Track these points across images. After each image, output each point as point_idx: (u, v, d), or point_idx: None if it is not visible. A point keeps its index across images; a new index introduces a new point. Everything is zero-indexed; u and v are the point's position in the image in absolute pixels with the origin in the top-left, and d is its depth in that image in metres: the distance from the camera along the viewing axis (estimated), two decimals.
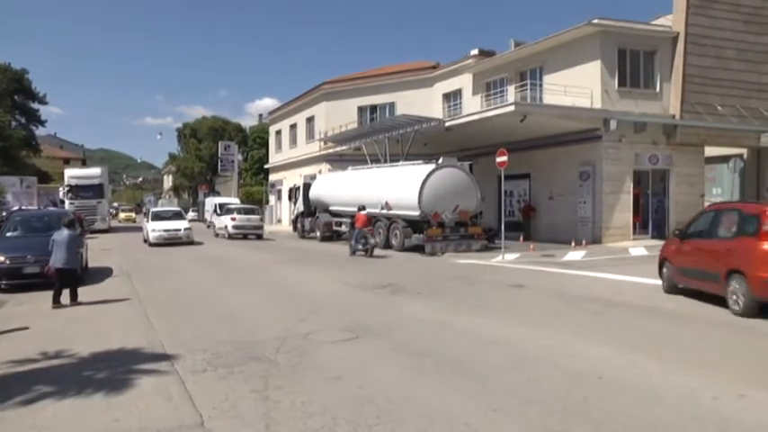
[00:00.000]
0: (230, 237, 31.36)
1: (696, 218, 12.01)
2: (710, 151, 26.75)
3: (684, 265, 11.33)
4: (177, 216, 30.22)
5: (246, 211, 32.72)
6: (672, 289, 11.84)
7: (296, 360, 7.23)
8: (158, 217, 29.21)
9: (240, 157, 64.82)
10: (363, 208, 22.23)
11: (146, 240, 27.90)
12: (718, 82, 25.18)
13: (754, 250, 9.33)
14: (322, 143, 36.17)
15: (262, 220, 33.45)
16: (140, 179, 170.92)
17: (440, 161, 22.27)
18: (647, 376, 6.43)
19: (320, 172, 34.53)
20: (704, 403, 5.55)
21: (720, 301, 10.20)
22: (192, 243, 27.28)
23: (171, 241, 26.92)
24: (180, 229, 27.70)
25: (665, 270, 12.23)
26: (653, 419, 5.18)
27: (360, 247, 20.87)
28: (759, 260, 9.22)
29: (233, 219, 31.66)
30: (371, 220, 22.58)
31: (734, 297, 9.65)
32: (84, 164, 78.59)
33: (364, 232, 21.05)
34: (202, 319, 10.13)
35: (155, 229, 27.39)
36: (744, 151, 28.16)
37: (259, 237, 31.44)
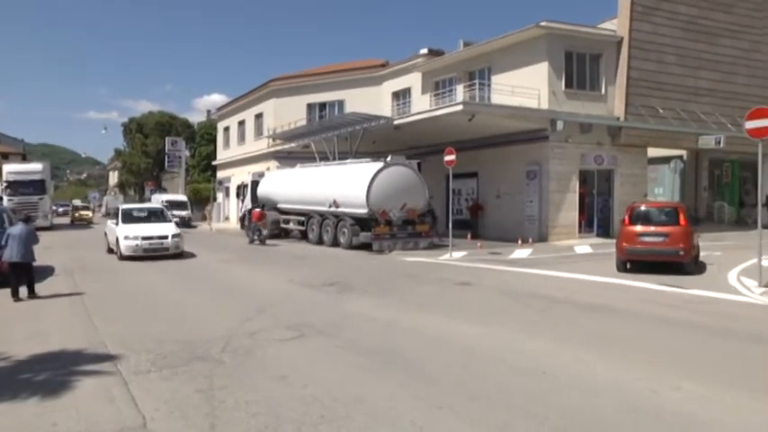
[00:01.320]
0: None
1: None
2: (653, 152, 27.72)
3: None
4: (158, 216, 21.90)
5: (175, 206, 32.92)
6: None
7: (241, 359, 7.20)
8: (131, 218, 21.08)
9: (188, 153, 63.72)
10: (262, 206, 27.66)
11: (113, 251, 20.38)
12: (660, 86, 26.11)
13: (623, 229, 15.39)
14: (271, 140, 35.85)
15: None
16: (85, 175, 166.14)
17: (388, 159, 22.38)
18: (590, 371, 6.60)
19: (269, 169, 34.27)
20: (643, 396, 5.75)
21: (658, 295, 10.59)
22: (180, 255, 20.10)
23: (154, 254, 19.28)
24: (167, 237, 19.78)
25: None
26: (595, 413, 5.35)
27: (255, 237, 25.60)
28: (623, 235, 15.23)
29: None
30: (264, 215, 26.58)
31: None
32: (24, 159, 75.71)
33: (258, 225, 25.88)
34: (147, 318, 9.98)
35: (129, 235, 19.37)
36: (684, 153, 29.33)
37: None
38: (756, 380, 6.34)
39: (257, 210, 26.77)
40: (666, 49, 26.25)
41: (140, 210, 22.85)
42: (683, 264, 14.58)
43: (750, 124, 12.56)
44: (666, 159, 28.45)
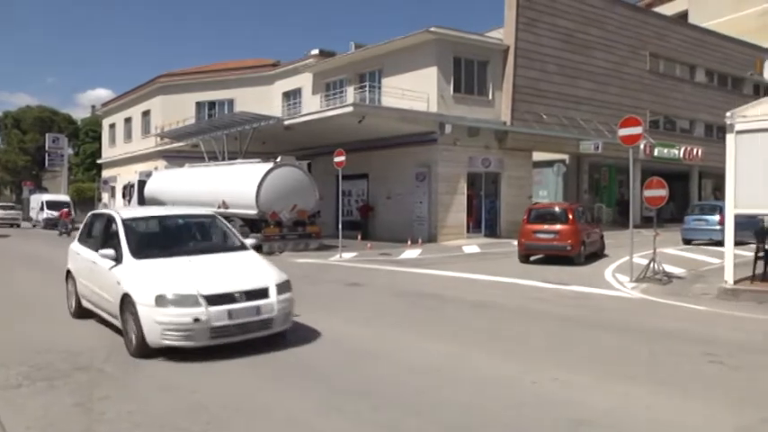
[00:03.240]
0: None
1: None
2: (537, 156, 29.26)
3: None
4: (211, 237, 9.78)
5: (56, 207, 33.25)
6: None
7: (126, 368, 6.95)
8: (154, 244, 8.78)
9: (71, 151, 60.93)
10: (67, 205, 35.61)
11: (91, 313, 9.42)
12: (544, 93, 27.66)
13: (522, 227, 17.68)
14: (158, 139, 34.87)
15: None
16: None
17: (278, 160, 22.31)
18: (477, 367, 6.85)
19: (156, 168, 33.26)
20: (526, 388, 6.08)
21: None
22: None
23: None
24: (264, 291, 7.66)
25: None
26: (482, 407, 5.57)
27: (63, 230, 32.52)
28: (522, 233, 17.60)
29: None
30: (69, 213, 33.45)
31: None
32: None
33: (66, 222, 33.24)
34: (21, 326, 9.26)
35: (168, 296, 7.10)
36: (566, 157, 31.06)
37: None
38: (625, 365, 6.91)
39: (64, 209, 35.62)
40: (549, 59, 27.86)
41: (167, 220, 9.67)
42: (572, 257, 16.55)
43: (622, 132, 13.53)
44: (550, 163, 30.02)
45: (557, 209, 18.18)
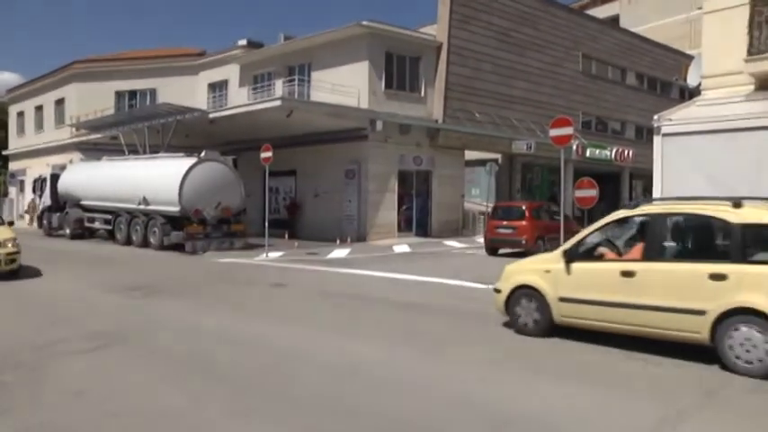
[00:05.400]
0: None
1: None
2: (470, 155, 30.45)
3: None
4: None
5: None
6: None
7: (30, 377, 6.84)
8: None
9: None
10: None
11: None
12: (477, 91, 28.86)
13: (487, 222, 21.39)
14: (73, 129, 34.29)
15: None
16: None
17: (202, 154, 22.52)
18: (401, 368, 7.20)
19: (71, 162, 32.75)
20: (454, 389, 6.38)
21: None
22: None
23: None
24: None
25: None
26: (404, 410, 5.83)
27: None
28: (487, 228, 21.38)
29: None
30: None
31: None
32: None
33: None
34: None
35: None
36: (498, 156, 32.34)
37: None
38: (554, 365, 7.45)
39: None
40: (482, 57, 29.08)
41: None
42: (527, 251, 18.60)
43: (553, 132, 13.97)
44: (482, 162, 31.16)
45: (516, 206, 21.53)
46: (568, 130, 13.87)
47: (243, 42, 32.17)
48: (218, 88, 33.72)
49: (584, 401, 6.12)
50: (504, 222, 20.56)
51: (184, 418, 5.65)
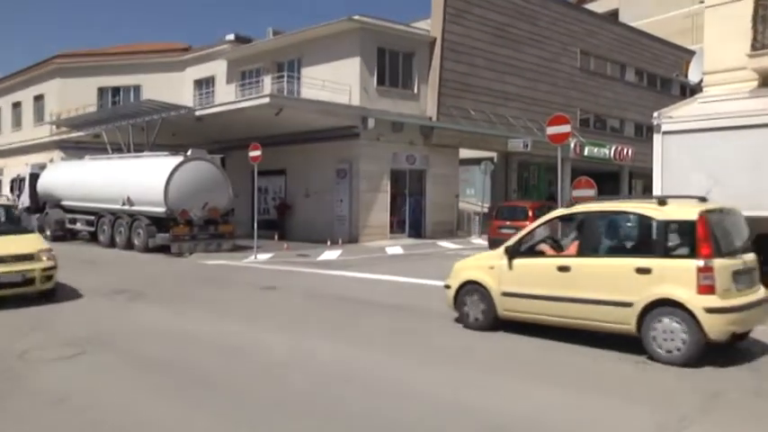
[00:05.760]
0: None
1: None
2: (464, 153, 30.53)
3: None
4: None
5: None
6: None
7: (8, 385, 6.80)
8: None
9: None
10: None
11: None
12: (471, 88, 28.95)
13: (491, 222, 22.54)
14: (54, 127, 34.18)
15: None
16: None
17: (188, 153, 22.48)
18: (391, 375, 7.30)
19: (52, 161, 32.62)
20: (447, 398, 6.47)
21: None
22: None
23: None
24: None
25: None
26: (398, 415, 5.96)
27: None
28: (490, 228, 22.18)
29: None
30: None
31: None
32: None
33: None
34: None
35: None
36: (494, 155, 32.44)
37: None
38: (548, 369, 7.61)
39: None
40: (477, 52, 29.17)
41: None
42: None
43: (550, 130, 14.17)
44: (477, 161, 31.24)
45: (520, 207, 22.44)
46: (566, 128, 14.03)
47: (230, 37, 32.22)
48: (204, 85, 33.70)
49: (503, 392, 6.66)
50: (508, 222, 21.06)
51: (172, 428, 5.67)
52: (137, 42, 40.03)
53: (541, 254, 9.20)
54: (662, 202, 8.13)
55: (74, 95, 34.27)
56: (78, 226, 26.77)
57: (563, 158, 14.48)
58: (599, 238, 8.97)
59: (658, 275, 7.66)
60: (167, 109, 25.55)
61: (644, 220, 8.24)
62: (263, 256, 20.23)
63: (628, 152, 36.89)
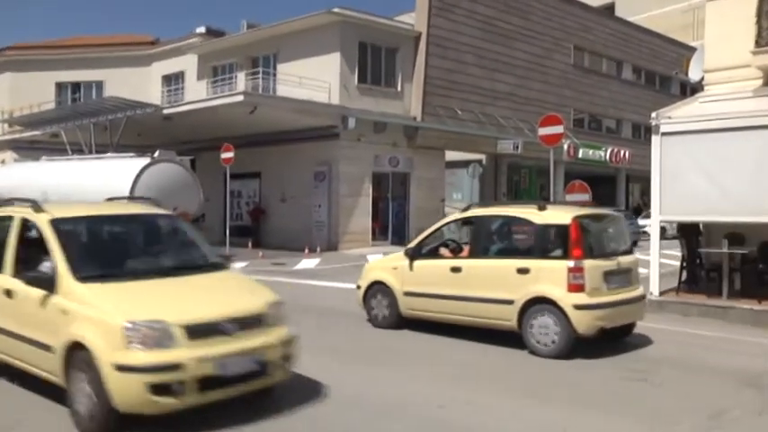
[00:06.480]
0: None
1: None
2: (451, 156, 30.61)
3: None
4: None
5: None
6: None
7: None
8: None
9: None
10: None
11: None
12: (458, 86, 29.10)
13: None
14: (6, 126, 33.89)
15: None
16: None
17: (156, 155, 22.28)
18: (381, 390, 7.39)
19: (3, 162, 32.38)
20: (433, 411, 6.67)
21: None
22: None
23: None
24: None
25: None
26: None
27: None
28: None
29: None
30: None
31: None
32: None
33: None
34: None
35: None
36: (482, 157, 32.60)
37: None
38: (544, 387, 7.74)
39: None
40: (465, 48, 29.36)
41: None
42: None
43: (542, 131, 14.29)
44: (465, 163, 31.44)
45: None
46: (559, 129, 14.13)
47: (201, 30, 32.13)
48: (173, 81, 33.62)
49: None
50: None
51: None
52: (99, 34, 39.68)
53: (441, 256, 10.28)
54: (541, 207, 9.24)
55: (28, 91, 33.86)
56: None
57: (556, 161, 14.58)
58: (489, 240, 10.13)
59: (535, 275, 8.78)
60: (132, 107, 25.38)
61: (525, 224, 9.40)
62: (236, 265, 20.01)
63: (624, 154, 37.17)
